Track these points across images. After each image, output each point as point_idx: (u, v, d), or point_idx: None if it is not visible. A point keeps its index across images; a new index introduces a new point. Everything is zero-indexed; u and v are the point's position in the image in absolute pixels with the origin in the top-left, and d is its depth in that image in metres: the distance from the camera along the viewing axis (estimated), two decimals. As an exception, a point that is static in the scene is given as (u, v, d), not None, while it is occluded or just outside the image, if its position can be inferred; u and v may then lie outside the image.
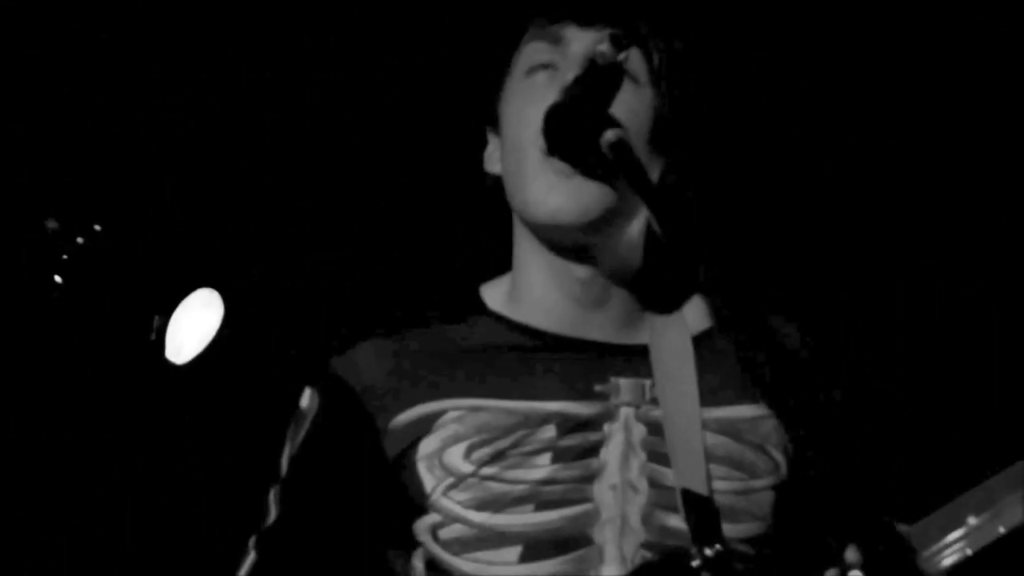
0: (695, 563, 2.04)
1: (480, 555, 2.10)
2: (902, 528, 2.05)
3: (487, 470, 2.11)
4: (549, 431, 2.13)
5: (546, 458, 2.12)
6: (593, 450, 2.13)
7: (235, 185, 4.07)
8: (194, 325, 4.02)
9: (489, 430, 2.13)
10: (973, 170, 3.92)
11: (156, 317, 3.97)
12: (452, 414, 2.15)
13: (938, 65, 3.85)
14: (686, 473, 2.11)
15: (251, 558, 2.19)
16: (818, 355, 2.32)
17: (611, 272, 2.22)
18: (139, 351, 3.96)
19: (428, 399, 2.16)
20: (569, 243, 2.20)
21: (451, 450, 2.13)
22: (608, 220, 2.17)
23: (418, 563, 2.15)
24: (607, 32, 2.17)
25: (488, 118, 2.36)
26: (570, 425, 2.14)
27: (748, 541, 2.14)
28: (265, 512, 2.21)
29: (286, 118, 3.97)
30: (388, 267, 4.03)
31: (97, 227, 3.88)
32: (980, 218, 3.95)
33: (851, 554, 1.92)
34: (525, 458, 2.12)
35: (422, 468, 2.14)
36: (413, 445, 2.15)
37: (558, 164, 2.13)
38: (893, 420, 3.62)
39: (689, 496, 2.09)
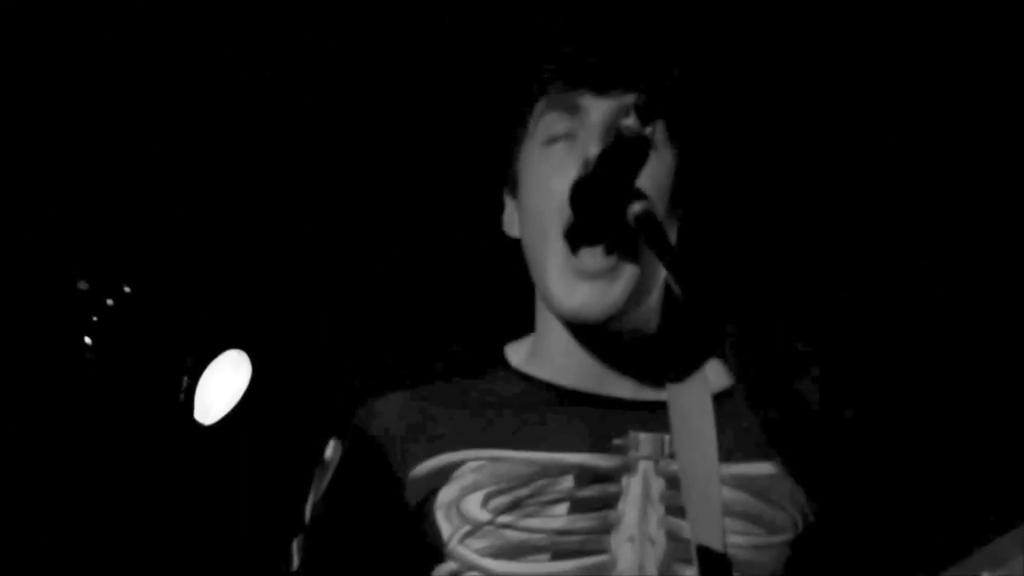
0: None
1: None
2: None
3: (504, 519, 2.11)
4: (567, 482, 2.13)
5: (563, 508, 2.12)
6: (611, 502, 2.13)
7: (263, 247, 4.10)
8: (222, 386, 4.05)
9: (507, 479, 2.14)
10: (973, 173, 3.91)
11: (185, 378, 3.99)
12: (471, 464, 2.16)
13: (939, 72, 3.85)
14: (702, 528, 2.11)
15: None
16: (835, 413, 2.32)
17: (632, 339, 2.24)
18: (168, 412, 3.98)
19: (448, 450, 2.17)
20: (594, 334, 2.22)
21: (469, 499, 2.13)
22: (629, 303, 2.19)
23: None
24: (627, 100, 2.19)
25: (505, 181, 2.38)
26: (588, 477, 2.14)
27: None
28: (289, 561, 2.22)
29: (311, 178, 4.01)
30: (414, 325, 4.04)
31: (127, 288, 3.91)
32: (980, 221, 3.93)
33: None
34: (542, 507, 2.12)
35: (440, 516, 2.14)
36: (432, 494, 2.16)
37: (580, 263, 2.15)
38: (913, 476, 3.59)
39: (703, 551, 2.09)
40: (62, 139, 3.80)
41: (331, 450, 2.28)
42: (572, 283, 2.16)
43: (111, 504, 3.96)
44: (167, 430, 3.99)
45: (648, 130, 2.11)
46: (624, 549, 2.10)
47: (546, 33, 3.39)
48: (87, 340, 3.87)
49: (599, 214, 2.07)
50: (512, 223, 2.35)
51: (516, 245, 2.33)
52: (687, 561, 2.10)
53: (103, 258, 3.94)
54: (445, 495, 2.15)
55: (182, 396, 3.98)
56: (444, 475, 2.16)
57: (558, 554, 2.10)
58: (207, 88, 3.79)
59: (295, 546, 2.24)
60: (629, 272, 2.16)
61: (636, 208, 2.01)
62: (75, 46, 3.64)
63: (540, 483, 2.13)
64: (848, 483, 2.24)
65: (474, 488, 2.14)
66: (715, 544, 2.09)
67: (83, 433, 3.94)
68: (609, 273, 2.14)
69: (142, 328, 3.93)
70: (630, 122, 2.10)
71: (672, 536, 2.12)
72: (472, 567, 2.12)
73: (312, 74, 3.79)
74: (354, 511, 2.23)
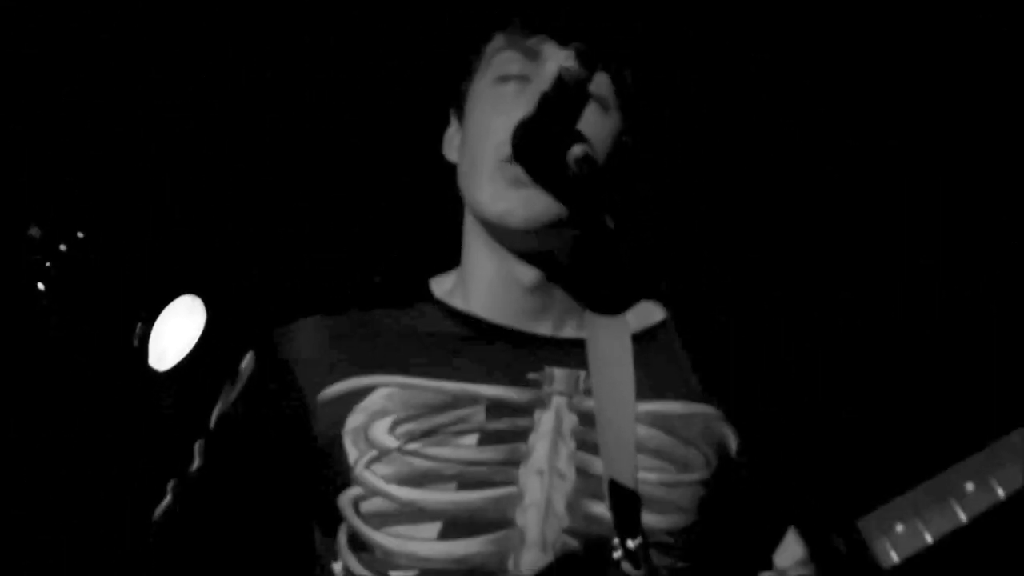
0: (616, 554, 2.07)
1: (399, 529, 2.10)
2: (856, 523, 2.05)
3: (411, 446, 2.13)
4: (478, 413, 2.15)
5: (472, 439, 2.14)
6: (521, 435, 2.15)
7: (216, 191, 4.08)
8: (177, 332, 4.02)
9: (417, 407, 2.15)
10: (968, 178, 3.92)
11: (139, 324, 3.97)
12: (382, 391, 2.17)
13: (926, 64, 3.86)
14: (615, 464, 2.13)
15: (167, 501, 2.22)
16: (763, 354, 2.33)
17: (555, 275, 2.24)
18: (122, 358, 3.96)
19: (359, 374, 2.19)
20: (516, 245, 2.22)
21: (376, 424, 2.15)
22: (556, 228, 2.18)
23: (341, 537, 2.16)
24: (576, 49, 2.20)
25: (453, 101, 2.38)
26: (500, 409, 2.16)
27: (672, 533, 2.16)
28: (189, 461, 2.23)
29: (263, 123, 3.99)
30: (343, 253, 4.04)
31: (80, 234, 3.89)
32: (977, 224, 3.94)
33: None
34: (451, 437, 2.13)
35: (347, 441, 2.16)
36: (341, 418, 2.17)
37: (513, 171, 2.15)
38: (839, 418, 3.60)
39: (615, 487, 2.11)
40: (13, 86, 3.78)
41: (246, 362, 2.30)
42: (502, 188, 2.18)
43: (65, 451, 3.95)
44: (121, 376, 3.98)
45: (588, 74, 2.12)
46: (532, 482, 2.12)
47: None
48: (40, 286, 3.85)
49: (540, 154, 2.08)
50: (452, 146, 2.36)
51: (450, 171, 2.34)
52: (595, 496, 2.12)
53: (56, 204, 3.91)
54: (353, 420, 2.16)
55: (136, 342, 3.96)
56: (353, 399, 2.17)
57: (465, 484, 2.11)
58: (153, 37, 3.77)
59: (197, 448, 2.25)
60: (557, 202, 2.15)
61: (576, 150, 2.02)
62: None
63: (451, 413, 2.15)
64: (777, 420, 2.26)
65: (383, 414, 2.15)
66: (627, 482, 2.11)
67: (37, 380, 3.92)
68: (538, 187, 2.14)
69: (95, 274, 3.91)
70: (571, 65, 2.11)
71: (581, 471, 2.14)
72: (377, 492, 2.12)
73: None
74: (258, 425, 2.25)
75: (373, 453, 2.14)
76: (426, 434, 2.13)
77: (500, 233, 2.24)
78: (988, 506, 1.99)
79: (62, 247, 3.84)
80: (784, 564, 2.05)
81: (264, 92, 3.95)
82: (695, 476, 2.19)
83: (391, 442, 2.13)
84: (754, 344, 2.34)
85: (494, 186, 2.20)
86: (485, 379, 2.18)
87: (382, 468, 2.13)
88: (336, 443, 2.17)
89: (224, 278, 4.12)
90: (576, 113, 2.09)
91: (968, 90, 3.82)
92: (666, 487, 2.15)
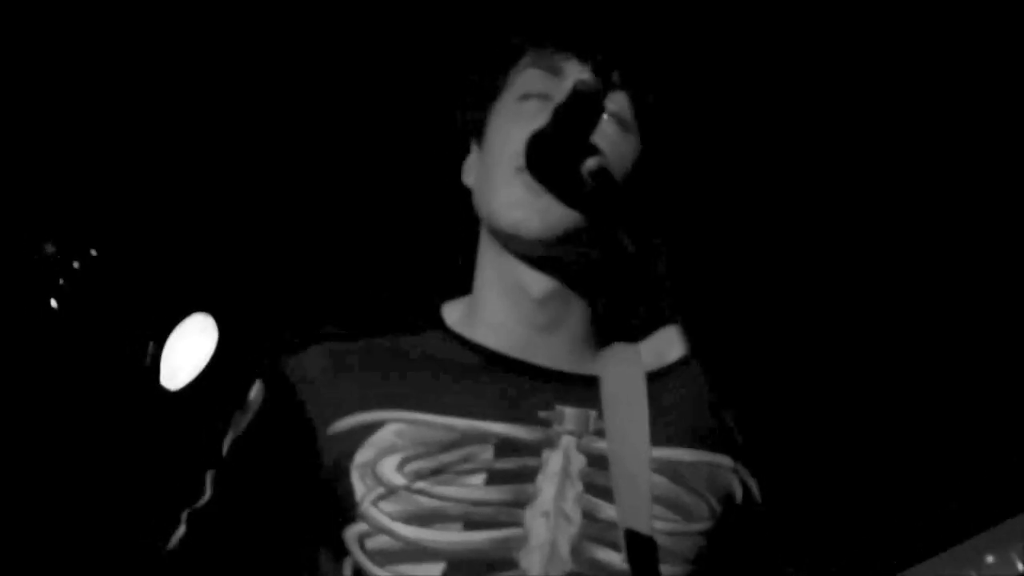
0: None
1: (403, 568, 2.06)
2: None
3: (419, 484, 2.08)
4: (486, 451, 2.10)
5: (480, 478, 2.09)
6: (529, 475, 2.10)
7: (230, 211, 4.08)
8: (188, 351, 4.03)
9: (426, 444, 2.11)
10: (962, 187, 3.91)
11: (151, 343, 3.98)
12: (392, 426, 2.13)
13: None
14: (630, 511, 2.08)
15: (181, 531, 2.21)
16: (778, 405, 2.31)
17: (568, 294, 2.22)
18: (133, 377, 3.97)
19: (369, 408, 2.15)
20: (530, 253, 2.20)
21: (385, 461, 2.10)
22: (571, 241, 2.17)
23: (347, 571, 2.14)
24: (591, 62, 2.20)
25: (475, 131, 2.37)
26: (509, 448, 2.11)
27: None
28: (201, 491, 2.22)
29: (280, 146, 3.99)
30: (356, 279, 4.04)
31: (93, 252, 3.90)
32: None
33: None
34: (459, 476, 2.09)
35: (355, 476, 2.11)
36: (349, 453, 2.12)
37: (529, 180, 2.13)
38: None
39: (631, 536, 2.05)
40: (28, 104, 3.78)
41: (255, 392, 2.24)
42: (518, 195, 2.13)
43: (77, 469, 3.96)
44: (133, 395, 3.98)
45: (602, 85, 2.11)
46: (538, 524, 2.07)
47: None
48: (53, 303, 3.86)
49: (553, 168, 2.06)
50: (471, 172, 2.34)
51: (467, 198, 2.33)
52: (600, 541, 2.07)
53: (70, 221, 3.92)
54: (362, 455, 2.11)
55: (148, 361, 3.97)
56: (363, 434, 2.13)
57: (470, 524, 2.06)
58: (170, 52, 3.77)
59: (209, 478, 2.24)
60: (574, 213, 2.14)
61: (591, 163, 2.00)
62: (36, 11, 3.63)
63: (459, 451, 2.10)
64: (794, 466, 2.24)
65: (391, 451, 2.11)
66: (643, 530, 2.06)
67: (49, 397, 3.93)
68: (555, 198, 2.13)
69: (108, 292, 3.92)
70: (586, 77, 2.10)
71: (588, 515, 2.08)
72: (383, 530, 2.09)
73: (272, 31, 3.78)
74: (269, 456, 2.19)
75: (381, 491, 2.10)
76: (434, 472, 2.08)
77: (513, 243, 2.22)
78: None
79: (75, 265, 3.85)
80: None
81: (284, 115, 3.95)
82: (699, 527, 2.13)
83: (399, 480, 2.09)
84: (777, 386, 2.31)
85: (510, 194, 2.17)
86: (495, 416, 2.13)
87: (389, 506, 2.09)
88: (344, 477, 2.12)
89: (236, 298, 4.12)
90: (590, 125, 2.06)
91: (968, 90, 3.80)
92: (671, 536, 2.10)
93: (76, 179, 3.92)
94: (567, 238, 2.15)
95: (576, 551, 2.07)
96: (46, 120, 3.84)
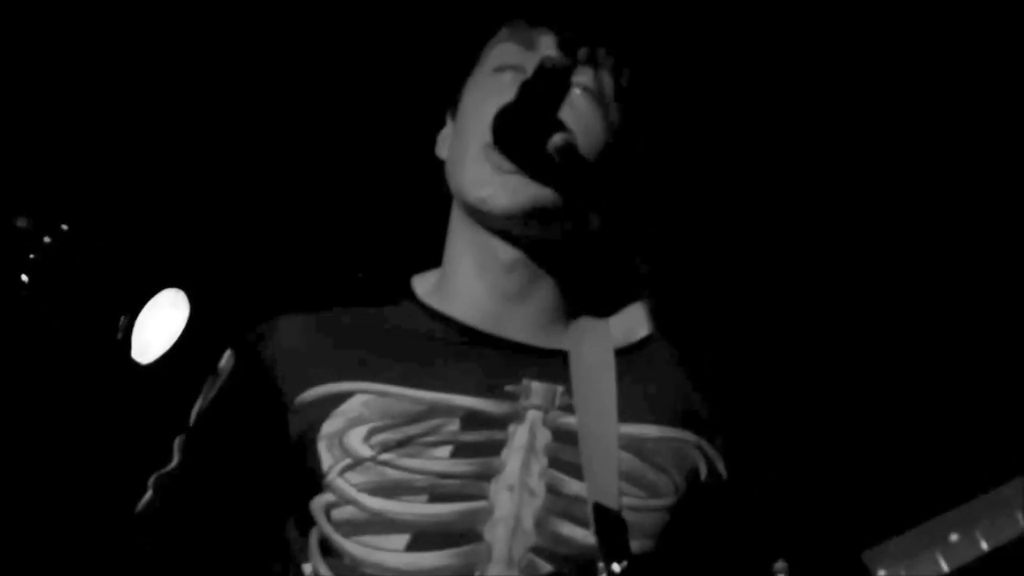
0: None
1: (368, 539, 2.10)
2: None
3: (385, 456, 2.11)
4: (453, 424, 2.13)
5: (446, 451, 2.12)
6: (494, 449, 2.13)
7: (201, 184, 4.08)
8: (160, 325, 4.03)
9: (393, 416, 2.13)
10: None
11: (122, 317, 3.98)
12: (359, 397, 2.16)
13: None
14: (599, 487, 2.10)
15: (148, 496, 2.23)
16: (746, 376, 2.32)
17: (537, 263, 2.23)
18: (105, 351, 3.97)
19: (337, 379, 2.18)
20: (498, 227, 2.21)
21: (352, 432, 2.14)
22: (539, 217, 2.18)
23: (313, 541, 2.16)
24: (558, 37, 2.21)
25: (449, 104, 2.38)
26: (475, 421, 2.14)
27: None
28: (169, 457, 2.23)
29: (250, 118, 3.99)
30: (326, 250, 4.04)
31: (64, 227, 3.89)
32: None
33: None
34: (425, 448, 2.12)
35: (322, 447, 2.15)
36: (317, 422, 2.16)
37: (498, 157, 2.14)
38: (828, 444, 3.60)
39: (600, 510, 2.08)
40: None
41: (225, 360, 2.30)
42: (487, 173, 2.17)
43: (48, 444, 3.96)
44: (105, 368, 3.98)
45: (569, 61, 2.13)
46: (502, 497, 2.10)
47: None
48: (24, 277, 3.85)
49: (520, 143, 2.08)
50: (444, 145, 2.35)
51: (439, 170, 2.34)
52: (565, 516, 2.11)
53: (42, 196, 3.91)
54: (329, 425, 2.14)
55: (120, 335, 3.97)
56: (331, 405, 2.16)
57: (435, 496, 2.10)
58: (142, 28, 3.77)
59: (176, 444, 2.27)
60: (542, 189, 2.15)
61: (557, 139, 2.02)
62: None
63: (426, 423, 2.13)
64: (763, 442, 2.25)
65: (359, 422, 2.14)
66: (611, 505, 2.08)
67: (21, 371, 3.93)
68: (523, 174, 2.13)
69: (80, 266, 3.91)
70: (552, 54, 2.12)
71: (552, 489, 2.12)
72: (349, 501, 2.12)
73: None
74: (236, 424, 2.24)
75: (347, 461, 2.13)
76: (400, 444, 2.12)
77: (482, 218, 2.23)
78: (972, 558, 1.98)
79: (47, 239, 3.84)
80: None
81: (252, 86, 3.95)
82: (663, 502, 2.16)
83: (366, 451, 2.13)
84: (744, 364, 2.32)
85: (478, 170, 2.19)
86: (462, 389, 2.16)
87: (355, 477, 2.12)
88: (311, 447, 2.16)
89: (208, 272, 4.12)
90: (556, 101, 2.07)
91: (968, 90, 3.82)
92: (636, 512, 2.13)
93: (48, 154, 3.91)
94: (535, 214, 2.17)
95: (540, 525, 2.10)
96: (17, 96, 3.83)
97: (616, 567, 2.02)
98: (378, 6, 3.87)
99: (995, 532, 1.93)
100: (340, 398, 2.17)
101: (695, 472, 2.21)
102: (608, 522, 2.07)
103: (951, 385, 3.86)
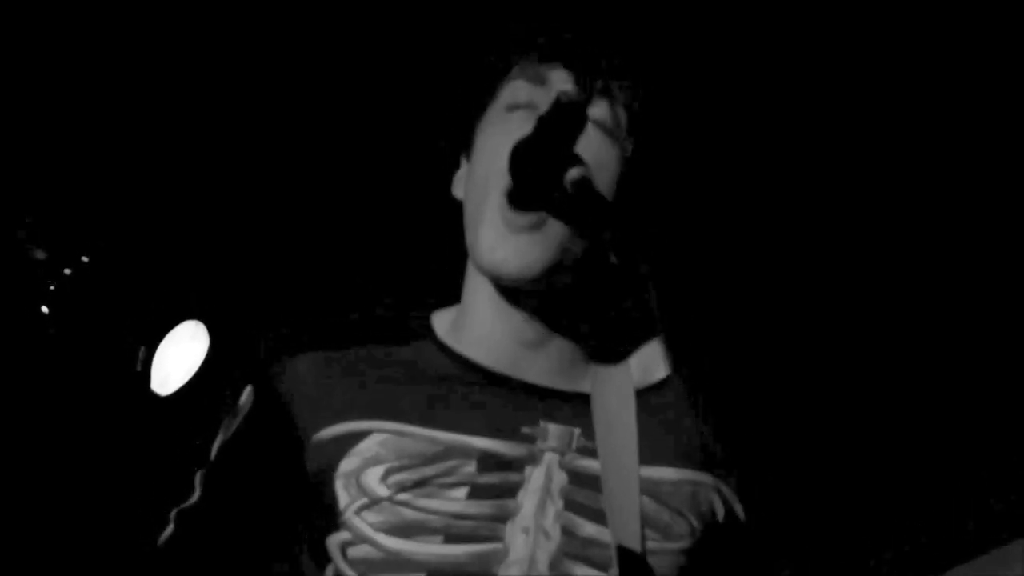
0: None
1: None
2: None
3: (402, 496, 2.13)
4: (470, 466, 2.15)
5: (462, 492, 2.13)
6: (511, 491, 2.14)
7: (222, 218, 4.09)
8: (180, 357, 4.03)
9: (410, 456, 2.15)
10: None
11: (142, 349, 3.97)
12: (376, 436, 2.17)
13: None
14: (621, 529, 2.11)
15: (170, 529, 2.24)
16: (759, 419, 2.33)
17: (555, 311, 2.23)
18: (125, 382, 3.96)
19: (355, 418, 2.20)
20: (511, 287, 2.21)
21: (369, 471, 2.15)
22: (551, 275, 2.18)
23: None
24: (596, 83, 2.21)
25: (464, 145, 2.38)
26: (492, 463, 2.15)
27: None
28: (190, 491, 2.24)
29: (274, 151, 4.00)
30: (349, 286, 4.04)
31: (84, 258, 3.89)
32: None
33: None
34: (441, 489, 2.13)
35: (339, 485, 2.16)
36: (334, 461, 2.18)
37: (512, 216, 2.14)
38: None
39: (623, 552, 2.09)
40: (19, 109, 3.79)
41: (245, 397, 2.31)
42: (501, 235, 2.16)
43: (66, 476, 3.95)
44: (123, 400, 3.98)
45: (584, 97, 2.13)
46: (517, 539, 2.11)
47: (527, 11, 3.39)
48: (44, 309, 3.85)
49: (536, 178, 2.07)
50: (460, 185, 2.35)
51: (457, 209, 2.34)
52: (579, 558, 2.12)
53: (61, 227, 3.92)
54: (347, 464, 2.16)
55: (139, 366, 3.96)
56: (348, 443, 2.17)
57: (451, 537, 2.11)
58: (162, 61, 3.78)
59: (198, 479, 2.29)
60: (557, 234, 2.15)
61: (573, 173, 2.02)
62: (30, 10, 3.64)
63: (443, 464, 2.14)
64: (778, 482, 2.26)
65: (376, 461, 2.15)
66: (634, 545, 2.09)
67: (40, 402, 3.93)
68: (537, 229, 2.13)
69: (99, 298, 3.91)
70: (568, 88, 2.11)
71: (567, 531, 2.13)
72: (365, 540, 2.13)
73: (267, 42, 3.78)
74: (256, 460, 2.27)
75: (364, 500, 2.15)
76: (417, 484, 2.13)
77: (497, 279, 2.23)
78: None
79: (67, 271, 3.85)
80: None
81: (279, 123, 3.96)
82: (678, 545, 2.17)
83: (382, 491, 2.14)
84: (761, 405, 2.33)
85: (492, 229, 2.19)
86: (478, 431, 2.18)
87: (371, 516, 2.14)
88: (328, 485, 2.18)
89: (228, 305, 4.12)
90: (572, 136, 2.07)
91: (968, 90, 3.82)
92: (651, 555, 2.14)
93: (68, 185, 3.92)
94: (546, 273, 2.17)
95: (555, 567, 2.11)
96: (37, 125, 3.84)
97: None
98: (397, 44, 3.88)
99: None
100: (357, 437, 2.18)
101: (712, 514, 2.22)
102: (631, 564, 2.09)
103: (971, 421, 3.84)
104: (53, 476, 3.94)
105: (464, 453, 2.15)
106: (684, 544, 2.18)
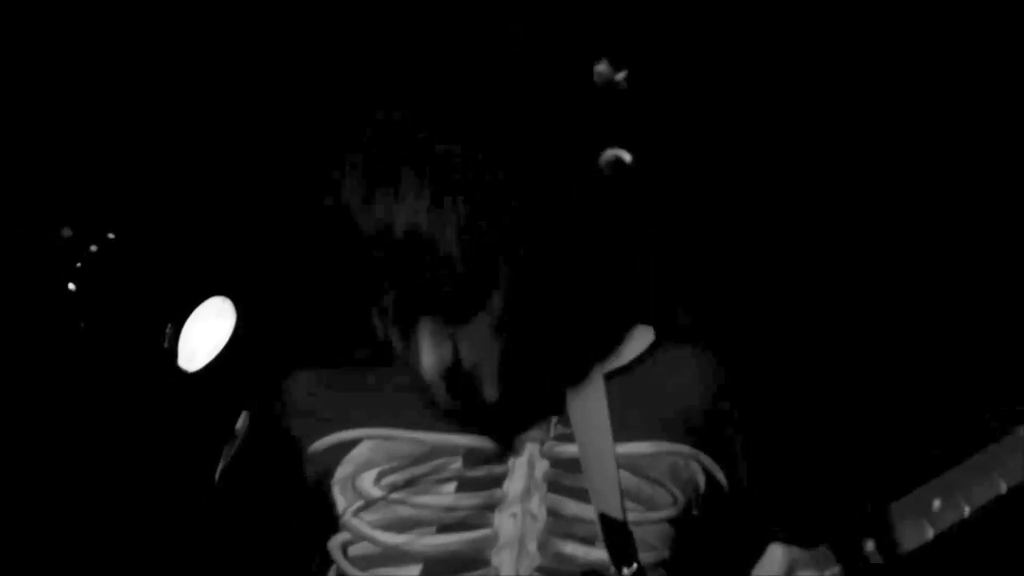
0: None
1: (383, 571, 2.26)
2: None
3: (396, 495, 2.27)
4: (456, 462, 2.27)
5: (451, 487, 2.27)
6: (497, 481, 2.27)
7: (249, 193, 4.10)
8: (206, 333, 4.05)
9: (399, 458, 2.29)
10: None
11: (169, 325, 3.99)
12: (366, 443, 2.31)
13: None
14: (603, 502, 2.23)
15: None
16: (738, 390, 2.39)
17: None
18: (151, 359, 3.99)
19: (347, 427, 2.33)
20: None
21: (363, 475, 2.29)
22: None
23: None
24: None
25: None
26: (476, 458, 2.28)
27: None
28: (213, 468, 2.46)
29: (300, 129, 4.00)
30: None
31: (111, 235, 3.91)
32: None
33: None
34: (432, 486, 2.27)
35: (336, 491, 2.32)
36: (330, 469, 2.33)
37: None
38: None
39: (606, 521, 2.22)
40: (44, 88, 3.80)
41: (241, 422, 2.46)
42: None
43: (92, 452, 3.98)
44: (151, 376, 4.01)
45: (619, 76, 2.16)
46: (506, 524, 2.24)
47: None
48: (71, 286, 3.87)
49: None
50: None
51: None
52: (566, 536, 2.24)
53: (87, 205, 3.94)
54: (342, 471, 2.31)
55: (166, 343, 3.99)
56: (340, 452, 2.32)
57: (444, 528, 2.25)
58: (186, 35, 3.79)
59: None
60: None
61: (609, 155, 2.06)
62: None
63: (430, 463, 2.27)
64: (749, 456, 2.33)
65: (368, 466, 2.29)
66: (616, 514, 2.22)
67: (66, 379, 3.95)
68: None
69: (126, 275, 3.94)
70: (602, 68, 2.14)
71: (553, 512, 2.25)
72: (364, 538, 2.28)
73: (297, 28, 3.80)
74: (257, 480, 2.43)
75: (360, 503, 2.29)
76: (408, 483, 2.27)
77: None
78: (989, 499, 2.02)
79: (93, 248, 3.87)
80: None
81: (308, 102, 3.96)
82: (662, 514, 2.27)
83: (377, 492, 2.28)
84: (738, 373, 2.38)
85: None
86: (461, 429, 2.28)
87: (369, 516, 2.28)
88: (326, 492, 2.33)
89: (254, 281, 4.14)
90: (609, 115, 2.14)
91: (968, 90, 3.81)
92: (636, 526, 2.24)
93: (93, 162, 3.93)
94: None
95: (543, 546, 2.23)
96: (63, 103, 3.85)
97: (626, 571, 2.18)
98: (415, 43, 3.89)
99: (977, 496, 2.01)
100: (349, 445, 2.32)
101: (694, 483, 2.32)
102: (615, 532, 2.21)
103: (954, 384, 3.86)
104: (81, 453, 3.97)
105: (450, 451, 2.28)
106: (668, 513, 2.27)
